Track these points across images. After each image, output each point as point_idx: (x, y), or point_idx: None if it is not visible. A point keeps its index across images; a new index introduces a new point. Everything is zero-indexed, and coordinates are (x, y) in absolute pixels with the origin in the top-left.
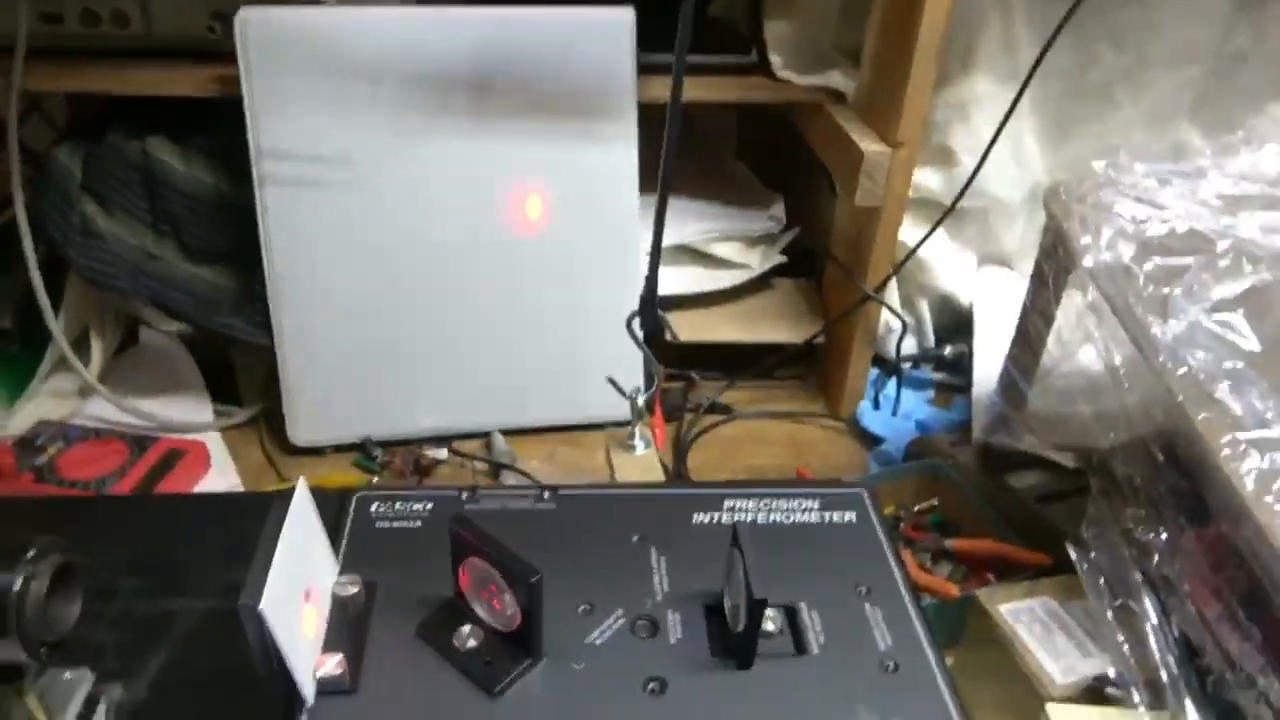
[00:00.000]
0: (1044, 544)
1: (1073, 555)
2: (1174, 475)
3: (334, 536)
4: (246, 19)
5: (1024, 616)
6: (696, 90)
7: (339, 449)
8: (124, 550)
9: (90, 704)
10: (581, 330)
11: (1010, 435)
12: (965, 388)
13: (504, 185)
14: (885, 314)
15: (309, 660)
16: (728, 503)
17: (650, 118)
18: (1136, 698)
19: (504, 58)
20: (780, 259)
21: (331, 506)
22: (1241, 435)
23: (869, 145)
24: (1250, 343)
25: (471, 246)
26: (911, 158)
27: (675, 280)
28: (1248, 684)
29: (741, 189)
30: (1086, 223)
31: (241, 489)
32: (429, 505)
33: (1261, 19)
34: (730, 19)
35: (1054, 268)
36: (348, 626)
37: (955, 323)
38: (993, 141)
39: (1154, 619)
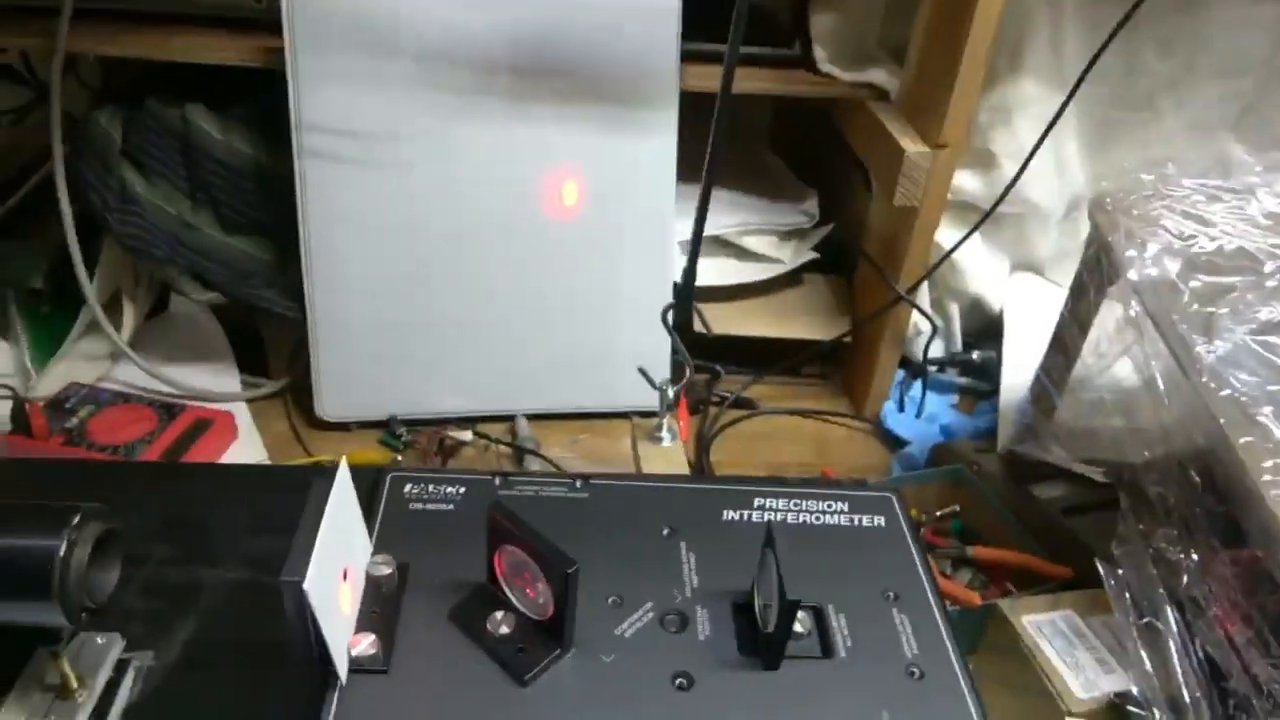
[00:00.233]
0: (1067, 556)
1: (1101, 571)
2: (1209, 497)
3: (367, 516)
4: None
5: (1046, 629)
6: (738, 81)
7: (364, 426)
8: (155, 518)
9: (120, 669)
10: (610, 318)
11: (1038, 445)
12: (990, 393)
13: (541, 169)
14: (915, 315)
15: (344, 638)
16: (758, 501)
17: (687, 105)
18: (1158, 717)
19: (548, 41)
20: (812, 255)
21: (364, 485)
22: None
23: (911, 145)
24: None
25: (506, 229)
26: (954, 160)
27: (705, 272)
28: (1274, 710)
29: (775, 182)
30: (1133, 235)
31: (267, 460)
32: (462, 489)
33: None
34: (773, 10)
35: (1096, 279)
36: (381, 606)
37: (983, 327)
38: (1036, 146)
39: (1180, 640)
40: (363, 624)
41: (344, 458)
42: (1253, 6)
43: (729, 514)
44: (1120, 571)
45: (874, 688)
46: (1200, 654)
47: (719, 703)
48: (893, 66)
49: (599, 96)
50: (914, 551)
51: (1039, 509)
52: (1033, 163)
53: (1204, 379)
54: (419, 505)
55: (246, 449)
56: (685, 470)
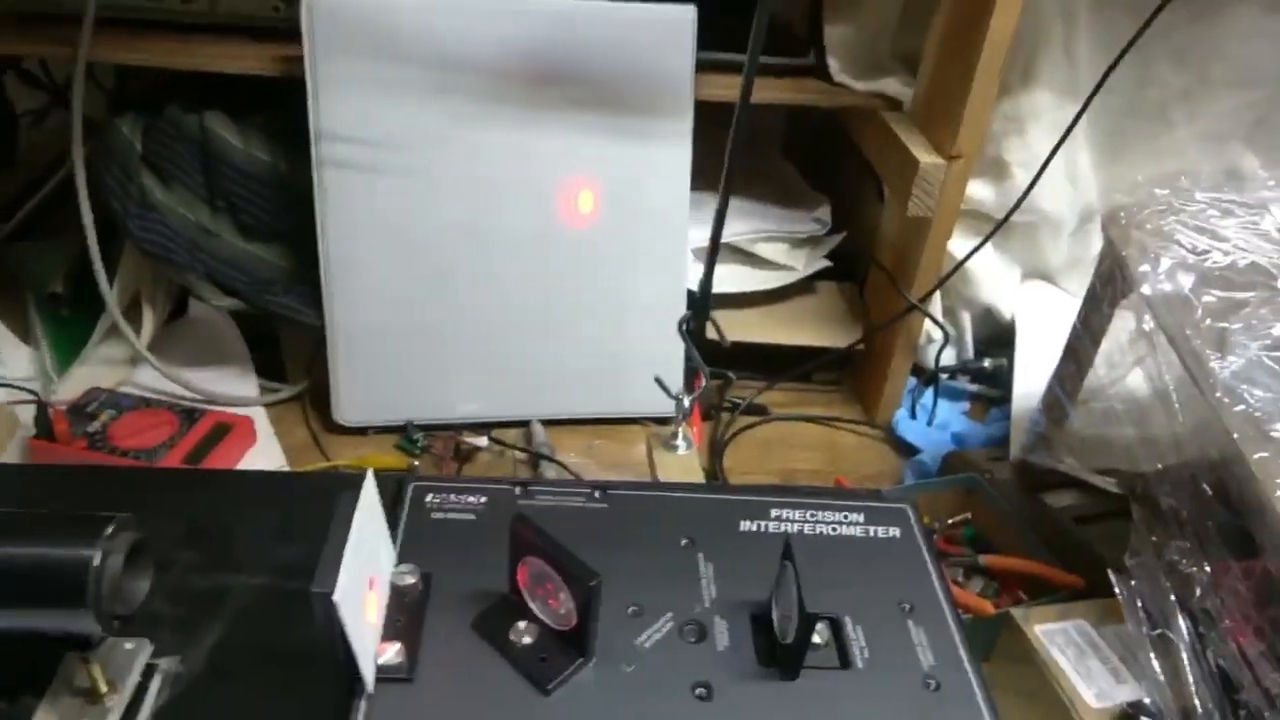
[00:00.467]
0: (1079, 565)
1: (1113, 581)
2: (1222, 509)
3: (390, 524)
4: (315, 1)
5: (1059, 638)
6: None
7: (381, 431)
8: (180, 524)
9: (147, 674)
10: (625, 324)
11: (1050, 455)
12: (1001, 400)
13: (557, 178)
14: (927, 323)
15: (371, 648)
16: (774, 511)
17: (699, 113)
18: None
19: (565, 51)
20: (824, 263)
21: (387, 494)
22: None
23: (924, 156)
24: None
25: (522, 237)
26: (967, 171)
27: (718, 279)
28: None
29: (788, 189)
30: (1146, 250)
31: (286, 465)
32: (483, 498)
33: None
34: (787, 20)
35: (1109, 292)
36: (405, 615)
37: (995, 335)
38: (1050, 157)
39: (1192, 651)
40: (388, 633)
41: (370, 469)
42: (1267, 18)
43: (746, 524)
44: (1133, 582)
45: (891, 699)
46: (1212, 666)
47: (739, 713)
48: (906, 77)
49: (615, 105)
50: (929, 563)
51: (1051, 518)
52: (1045, 172)
53: (1218, 394)
54: (441, 515)
55: (265, 453)
56: (701, 478)
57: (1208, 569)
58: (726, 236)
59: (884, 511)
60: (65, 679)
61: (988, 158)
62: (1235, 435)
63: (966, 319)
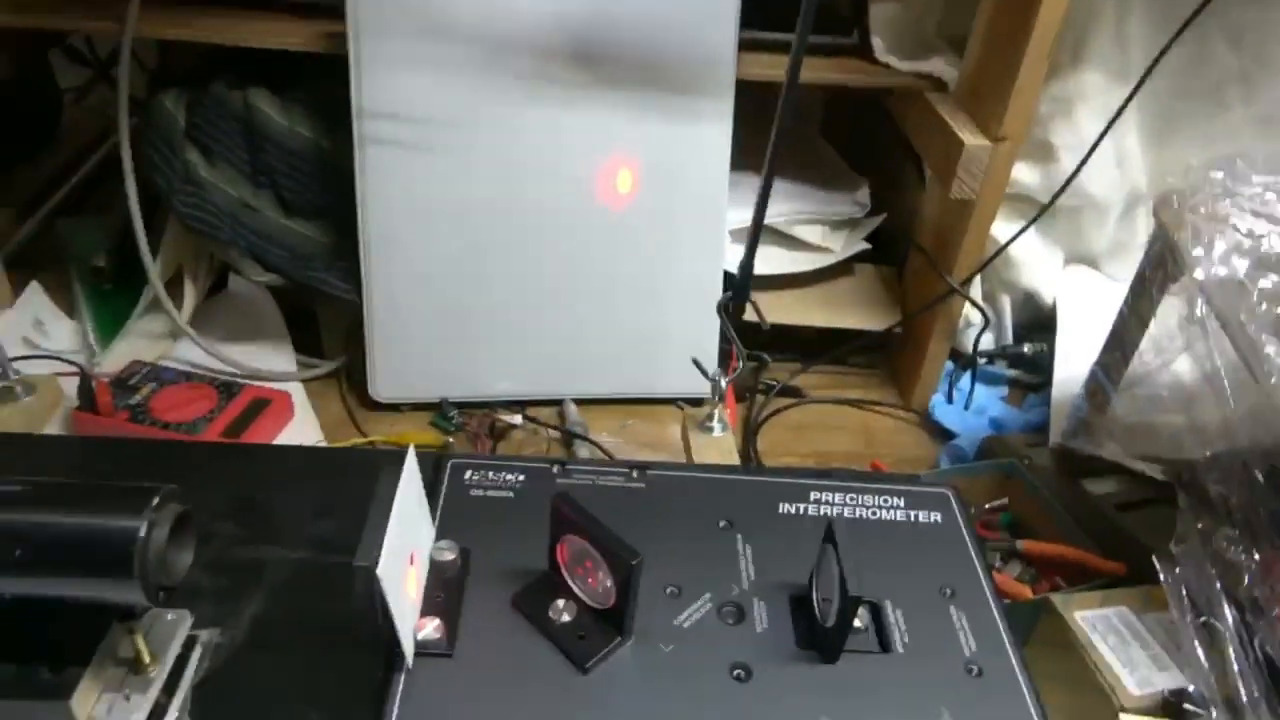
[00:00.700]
0: (1120, 552)
1: (1158, 569)
2: (1275, 498)
3: (429, 501)
4: None
5: (1100, 625)
6: None
7: (417, 407)
8: (219, 497)
9: (189, 645)
10: (660, 305)
11: (1091, 441)
12: (1040, 386)
13: (597, 157)
14: (966, 307)
15: (411, 622)
16: (813, 494)
17: (739, 93)
18: (1214, 715)
19: (606, 28)
20: (863, 245)
21: (425, 471)
22: None
23: (970, 138)
24: None
25: (560, 216)
26: (1013, 153)
27: (757, 261)
28: None
29: (827, 171)
30: (1200, 233)
31: (323, 440)
32: (521, 476)
33: None
34: None
35: (1158, 276)
36: (444, 591)
37: (1035, 320)
38: (1098, 141)
39: (1238, 639)
40: (427, 608)
41: (411, 446)
42: None
43: (785, 507)
44: (1177, 569)
45: (933, 684)
46: (1259, 654)
47: (777, 694)
48: (952, 57)
49: (656, 84)
50: (971, 548)
51: (1091, 504)
52: (1092, 156)
53: (1273, 379)
54: (479, 492)
55: (303, 428)
56: (736, 460)
57: (1257, 557)
58: (765, 218)
59: (926, 496)
60: (109, 649)
61: (1034, 140)
62: None
63: (1007, 303)
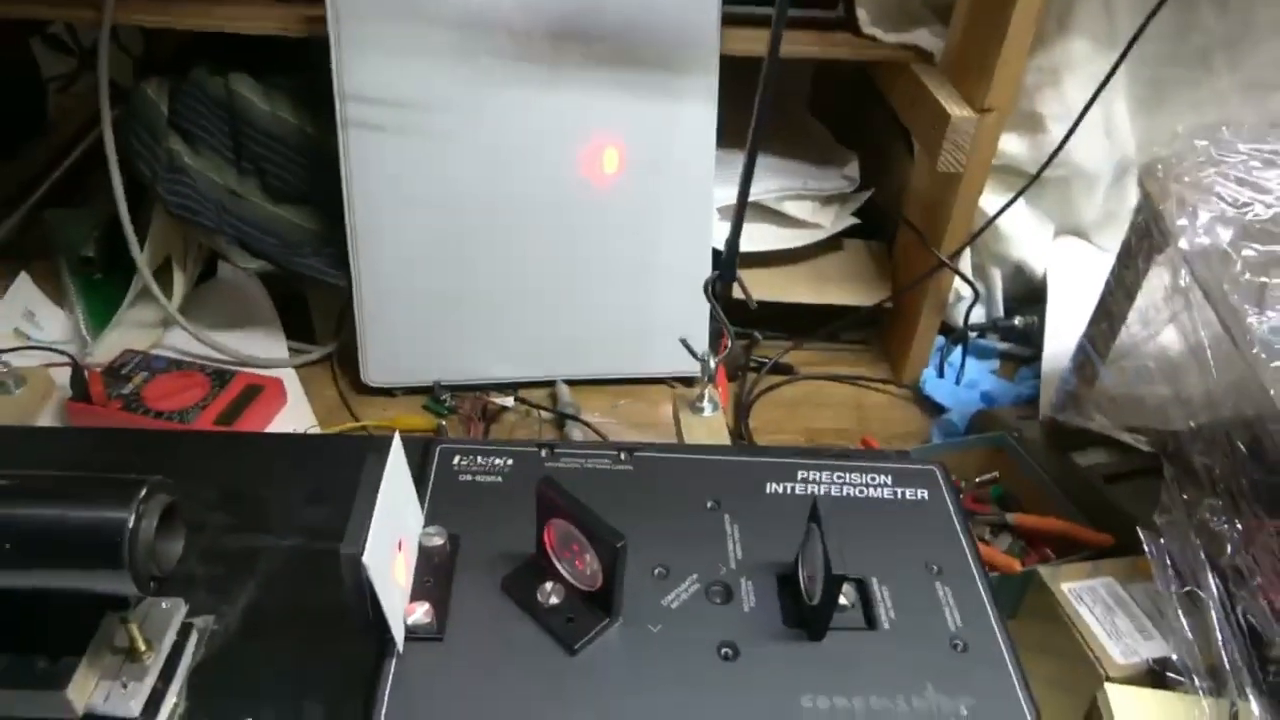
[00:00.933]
0: (1107, 524)
1: (1142, 539)
2: (1257, 467)
3: (418, 486)
4: None
5: (1086, 596)
6: None
7: (409, 391)
8: (212, 486)
9: (184, 632)
10: (649, 284)
11: (1080, 414)
12: (1031, 359)
13: (582, 137)
14: (956, 281)
15: (400, 607)
16: (801, 473)
17: (725, 69)
18: (1197, 683)
19: (589, 7)
20: (852, 220)
21: (413, 456)
22: None
23: (956, 110)
24: None
25: (547, 197)
26: (1000, 124)
27: (745, 238)
28: None
29: (815, 146)
30: (1184, 203)
31: (316, 426)
32: (510, 460)
33: None
34: None
35: (1144, 246)
36: (434, 576)
37: (1026, 292)
38: (1085, 109)
39: (1221, 608)
40: (417, 593)
41: (396, 432)
42: None
43: (772, 486)
44: (1162, 540)
45: (918, 659)
46: (1241, 622)
47: (764, 672)
48: (938, 27)
49: (639, 62)
50: (957, 525)
51: (1080, 476)
52: (1080, 125)
53: (1255, 349)
54: (468, 477)
55: (296, 414)
56: (727, 440)
57: (1239, 527)
58: (753, 195)
59: (913, 473)
60: (105, 638)
61: (1021, 111)
62: (1272, 391)
63: (997, 276)
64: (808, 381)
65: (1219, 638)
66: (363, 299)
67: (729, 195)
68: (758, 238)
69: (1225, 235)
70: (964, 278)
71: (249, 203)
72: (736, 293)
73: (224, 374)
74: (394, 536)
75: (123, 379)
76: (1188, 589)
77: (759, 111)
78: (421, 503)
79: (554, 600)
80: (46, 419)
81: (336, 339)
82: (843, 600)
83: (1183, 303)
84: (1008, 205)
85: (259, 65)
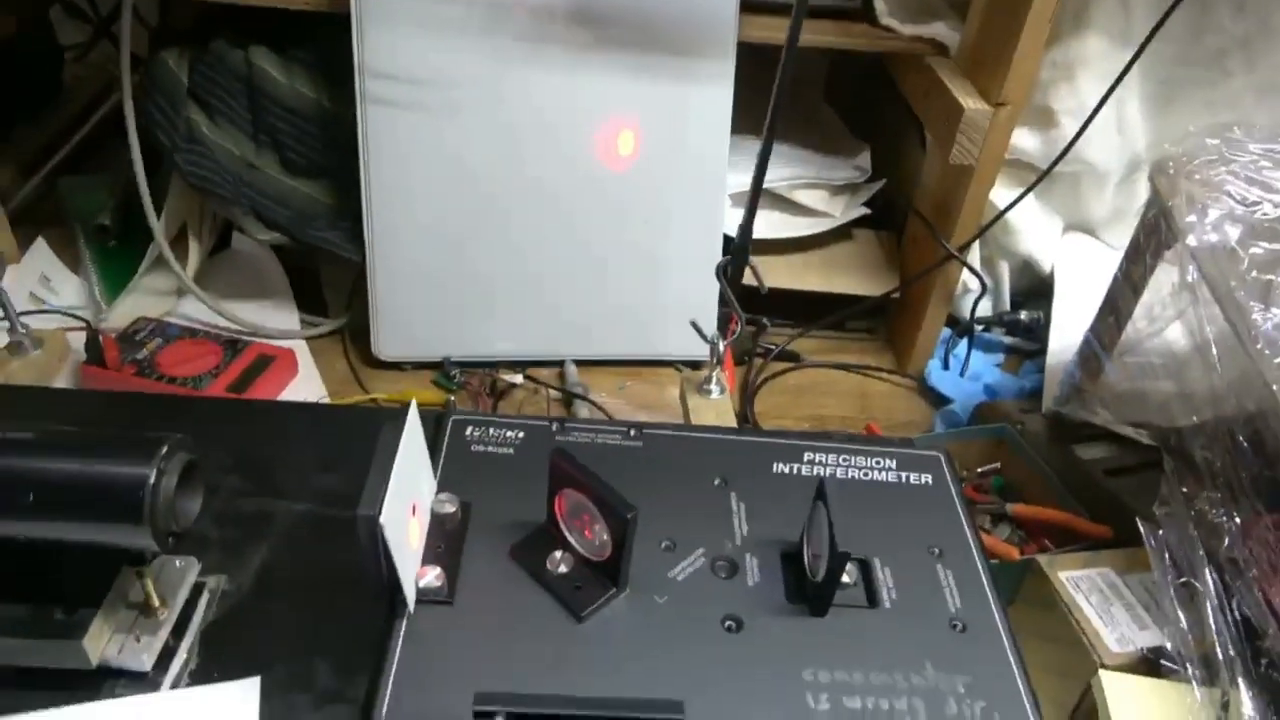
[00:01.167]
0: (1107, 516)
1: (1141, 530)
2: (1258, 462)
3: (431, 456)
4: None
5: (1083, 585)
6: None
7: (419, 366)
8: (225, 450)
9: (196, 590)
10: (660, 267)
11: (1083, 407)
12: (1036, 353)
13: (598, 119)
14: (964, 273)
15: (412, 570)
16: (808, 455)
17: (740, 56)
18: (1190, 672)
19: None
20: (863, 210)
21: (427, 427)
22: None
23: (970, 103)
24: None
25: (562, 178)
26: (1013, 118)
27: (755, 225)
28: None
29: (828, 135)
30: (1194, 200)
31: (326, 398)
32: (521, 434)
33: None
34: None
35: (1152, 242)
36: (445, 542)
37: (1032, 287)
38: (1099, 106)
39: (1216, 599)
40: (428, 558)
41: (413, 400)
42: None
43: (779, 466)
44: (1161, 532)
45: (917, 638)
46: (1236, 614)
47: (767, 644)
48: (954, 21)
49: (658, 46)
50: (960, 509)
51: (1081, 469)
52: (1093, 122)
53: (1259, 346)
54: (480, 448)
55: (307, 385)
56: (733, 423)
57: (1238, 520)
58: (765, 182)
59: (917, 458)
60: (120, 593)
61: (1034, 106)
62: (1275, 388)
63: (1005, 270)
64: (813, 369)
65: (1214, 628)
66: (376, 273)
67: (742, 182)
68: (768, 225)
69: (1234, 233)
70: (972, 270)
71: (266, 175)
72: (747, 279)
73: (236, 343)
74: (409, 501)
75: (137, 345)
76: (1184, 580)
77: (776, 98)
78: (434, 472)
79: (563, 569)
80: (62, 382)
81: (348, 312)
82: (845, 578)
83: (1189, 299)
84: (1018, 199)
85: (279, 38)
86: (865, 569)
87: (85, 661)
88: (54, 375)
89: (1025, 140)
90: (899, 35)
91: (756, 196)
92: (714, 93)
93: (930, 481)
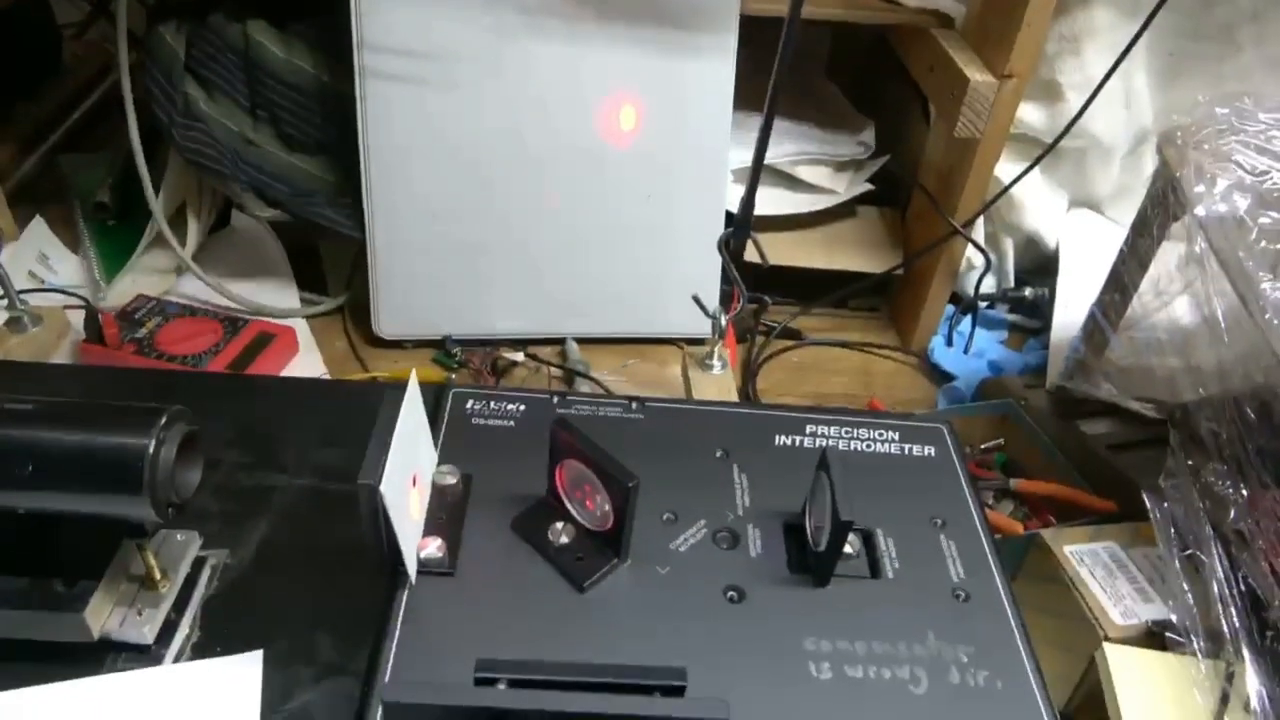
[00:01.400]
0: (1112, 491)
1: (1147, 503)
2: (1265, 434)
3: (432, 429)
4: None
5: (1087, 558)
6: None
7: (420, 344)
8: (226, 425)
9: (197, 564)
10: (662, 244)
11: (1088, 382)
12: (1040, 331)
13: (599, 94)
14: (968, 250)
15: (413, 541)
16: (810, 427)
17: (745, 30)
18: (1195, 645)
19: None
20: (866, 186)
21: (428, 400)
22: None
23: (975, 75)
24: None
25: (563, 154)
26: (1019, 91)
27: (758, 201)
28: None
29: (831, 111)
30: (1202, 170)
31: (327, 375)
32: (522, 406)
33: None
34: None
35: (1160, 215)
36: (446, 514)
37: (1037, 263)
38: (1105, 79)
39: (1221, 571)
40: (430, 529)
41: (414, 370)
42: None
43: (781, 439)
44: (1166, 504)
45: (920, 607)
46: (1241, 586)
47: (769, 614)
48: None
49: (659, 19)
50: (963, 480)
51: (1085, 444)
52: (1099, 95)
53: (1268, 316)
54: (480, 421)
55: (307, 363)
56: (735, 399)
57: (1244, 492)
58: (768, 159)
59: (920, 430)
60: (121, 565)
61: (1040, 79)
62: None
63: (1009, 246)
64: (816, 346)
65: (1219, 601)
66: (376, 250)
67: (744, 158)
68: (771, 201)
69: (1242, 203)
70: (977, 246)
71: (264, 151)
72: (749, 255)
73: (236, 321)
74: (409, 471)
75: (136, 323)
76: (1189, 552)
77: (778, 72)
78: (435, 444)
79: (564, 540)
80: (60, 359)
81: (348, 290)
82: (848, 549)
83: (1197, 270)
84: (1024, 174)
85: (277, 12)
86: (868, 539)
87: (86, 634)
88: (53, 352)
89: (1030, 114)
90: (903, 7)
91: (758, 172)
92: (716, 67)
93: (933, 453)
